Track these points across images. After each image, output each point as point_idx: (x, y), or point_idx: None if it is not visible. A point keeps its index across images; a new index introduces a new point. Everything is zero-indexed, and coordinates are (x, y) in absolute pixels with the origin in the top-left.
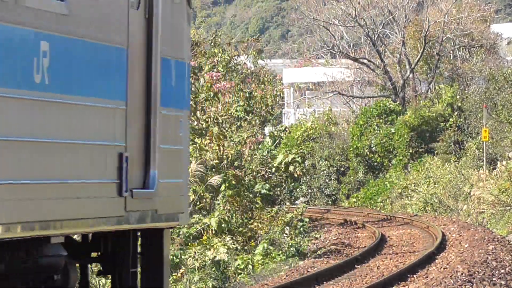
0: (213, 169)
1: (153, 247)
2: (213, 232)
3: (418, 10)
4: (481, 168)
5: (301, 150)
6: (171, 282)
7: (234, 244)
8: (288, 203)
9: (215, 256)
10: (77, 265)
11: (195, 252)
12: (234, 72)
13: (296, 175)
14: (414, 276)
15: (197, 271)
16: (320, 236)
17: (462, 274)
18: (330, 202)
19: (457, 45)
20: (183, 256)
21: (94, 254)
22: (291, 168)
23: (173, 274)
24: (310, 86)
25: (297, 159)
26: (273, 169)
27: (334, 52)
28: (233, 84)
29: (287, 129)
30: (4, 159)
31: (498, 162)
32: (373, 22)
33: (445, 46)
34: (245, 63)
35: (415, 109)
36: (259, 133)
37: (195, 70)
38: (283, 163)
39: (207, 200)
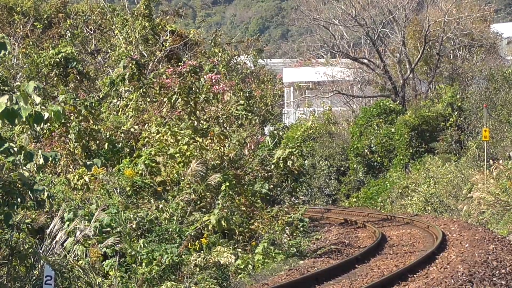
0: (214, 169)
1: None
2: (213, 231)
3: (418, 10)
4: (481, 168)
5: (298, 144)
6: (172, 282)
7: (235, 245)
8: (288, 203)
9: (219, 261)
10: None
11: (199, 256)
12: (234, 72)
13: (294, 171)
14: (415, 276)
15: (198, 270)
16: (321, 236)
17: (462, 274)
18: (330, 202)
19: (457, 45)
20: (185, 258)
21: None
22: (289, 163)
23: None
24: (310, 85)
25: (294, 152)
26: (272, 166)
27: (334, 51)
28: (233, 84)
29: (286, 127)
30: None
31: (491, 161)
32: (373, 22)
33: (445, 46)
34: (245, 62)
35: (415, 109)
36: (259, 133)
37: (196, 70)
38: (280, 159)
39: (208, 199)
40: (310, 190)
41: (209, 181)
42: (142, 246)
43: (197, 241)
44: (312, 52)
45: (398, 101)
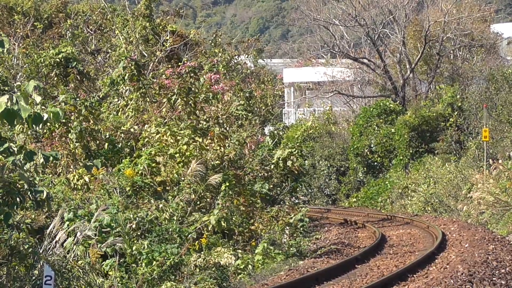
0: (214, 169)
1: None
2: (213, 231)
3: (418, 10)
4: (481, 168)
5: (298, 144)
6: (172, 282)
7: (235, 245)
8: (288, 203)
9: (219, 262)
10: None
11: (199, 256)
12: (234, 72)
13: (294, 171)
14: (414, 276)
15: (198, 270)
16: (321, 236)
17: (462, 274)
18: (330, 202)
19: (457, 45)
20: (185, 259)
21: None
22: (289, 163)
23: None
24: (310, 85)
25: (294, 152)
26: (272, 166)
27: (334, 52)
28: (234, 84)
29: (286, 127)
30: None
31: (490, 161)
32: (373, 22)
33: (445, 46)
34: (245, 63)
35: (415, 109)
36: (259, 133)
37: (195, 70)
38: (280, 159)
39: (208, 199)
40: (310, 190)
41: (209, 181)
42: (145, 247)
43: (197, 241)
44: (312, 52)
45: (398, 101)
